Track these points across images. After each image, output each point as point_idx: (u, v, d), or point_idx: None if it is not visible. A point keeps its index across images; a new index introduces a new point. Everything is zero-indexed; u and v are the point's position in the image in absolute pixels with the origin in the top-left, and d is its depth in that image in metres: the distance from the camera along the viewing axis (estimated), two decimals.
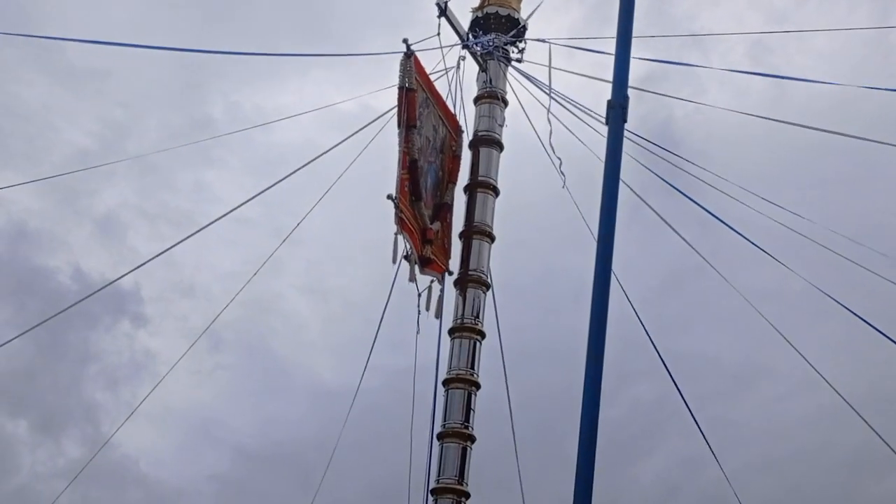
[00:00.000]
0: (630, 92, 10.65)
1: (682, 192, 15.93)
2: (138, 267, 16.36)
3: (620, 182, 10.31)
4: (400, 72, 15.29)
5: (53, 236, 36.53)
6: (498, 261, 16.35)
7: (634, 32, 10.83)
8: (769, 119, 17.00)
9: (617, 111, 10.53)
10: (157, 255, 16.08)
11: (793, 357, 16.73)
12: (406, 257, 15.19)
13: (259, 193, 16.29)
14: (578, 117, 15.85)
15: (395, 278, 15.51)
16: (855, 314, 15.40)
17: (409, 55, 15.32)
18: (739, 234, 15.99)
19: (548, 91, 16.20)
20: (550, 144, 15.92)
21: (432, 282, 15.64)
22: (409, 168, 15.13)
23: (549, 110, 15.98)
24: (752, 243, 15.97)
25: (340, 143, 16.17)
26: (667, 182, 16.14)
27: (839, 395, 15.81)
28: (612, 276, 15.58)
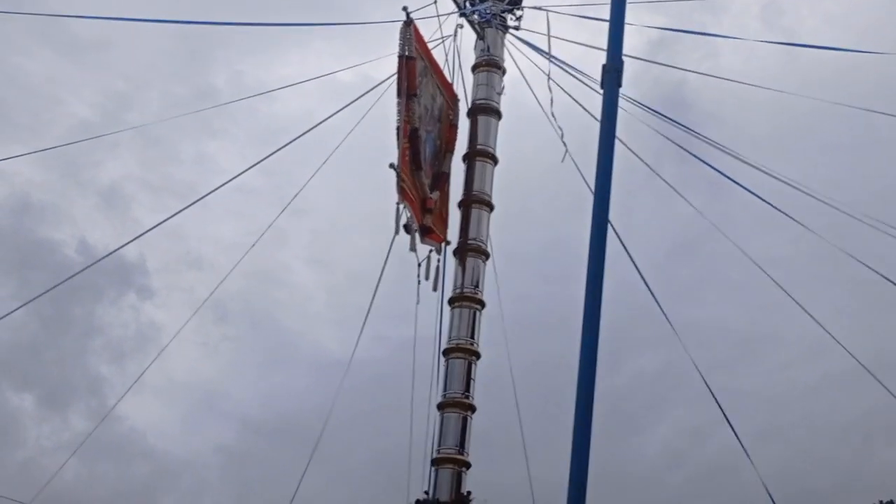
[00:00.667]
0: (642, 55, 10.57)
1: (693, 154, 15.74)
2: (141, 235, 16.35)
3: (631, 149, 10.20)
4: (399, 40, 15.19)
5: (58, 209, 36.48)
6: (498, 230, 16.32)
7: None
8: (776, 90, 16.80)
9: (612, 75, 10.45)
10: (158, 224, 16.05)
11: (799, 324, 16.67)
12: (406, 227, 15.10)
13: (257, 163, 16.25)
14: (580, 80, 15.68)
15: (390, 248, 15.44)
16: (870, 268, 15.21)
17: (409, 23, 15.20)
18: (751, 192, 15.76)
19: (547, 57, 16.04)
20: (552, 112, 15.81)
21: (430, 251, 15.57)
22: (410, 137, 15.06)
23: (549, 77, 15.85)
24: (764, 200, 15.75)
25: (338, 111, 16.14)
26: (677, 144, 15.96)
27: (853, 356, 15.72)
28: (621, 243, 15.58)
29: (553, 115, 15.86)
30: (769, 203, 15.75)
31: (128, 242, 16.47)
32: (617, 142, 10.56)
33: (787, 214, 15.77)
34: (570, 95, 15.70)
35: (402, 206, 14.86)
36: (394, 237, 15.18)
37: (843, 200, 15.92)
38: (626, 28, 10.76)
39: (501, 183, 16.44)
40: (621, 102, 11.08)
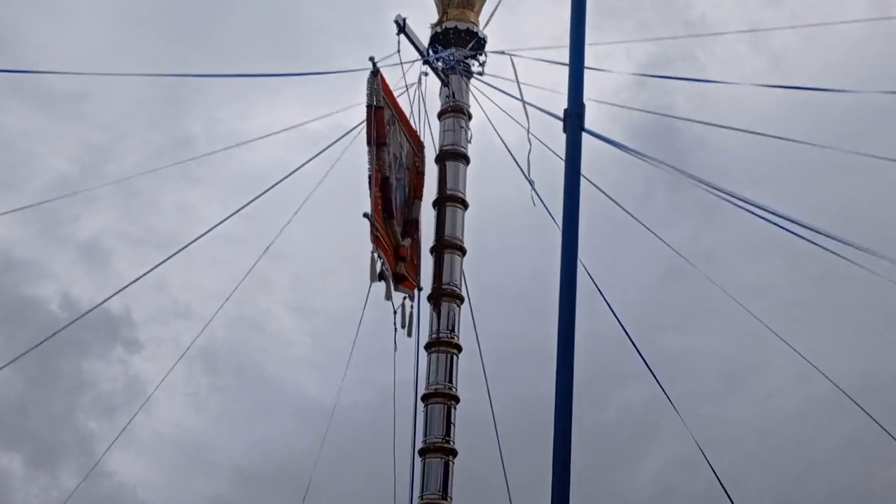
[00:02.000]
0: (631, 80, 10.66)
1: (689, 176, 15.64)
2: (124, 288, 16.32)
3: (598, 187, 10.17)
4: (367, 90, 15.33)
5: (39, 265, 36.38)
6: (473, 271, 16.38)
7: (636, 24, 10.84)
8: (767, 136, 16.78)
9: (574, 119, 10.54)
10: (142, 276, 16.03)
11: (783, 352, 16.73)
12: (381, 275, 15.19)
13: (234, 213, 16.36)
14: (548, 117, 15.67)
15: (367, 296, 15.54)
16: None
17: (376, 73, 15.35)
18: (749, 209, 15.63)
19: (521, 100, 16.13)
20: (528, 162, 15.86)
21: (404, 299, 15.64)
22: (381, 186, 15.17)
23: (528, 131, 15.88)
24: (761, 207, 15.63)
25: (309, 161, 16.26)
26: (668, 167, 15.90)
27: (832, 382, 15.70)
28: (592, 281, 15.61)
29: (526, 162, 15.93)
30: (762, 216, 15.52)
31: (112, 295, 16.47)
32: (597, 179, 10.60)
33: (782, 226, 15.53)
34: (538, 139, 15.77)
35: (376, 255, 14.94)
36: (370, 285, 15.28)
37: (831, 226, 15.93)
38: (608, 61, 10.87)
39: (474, 224, 16.54)
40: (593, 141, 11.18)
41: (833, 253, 14.23)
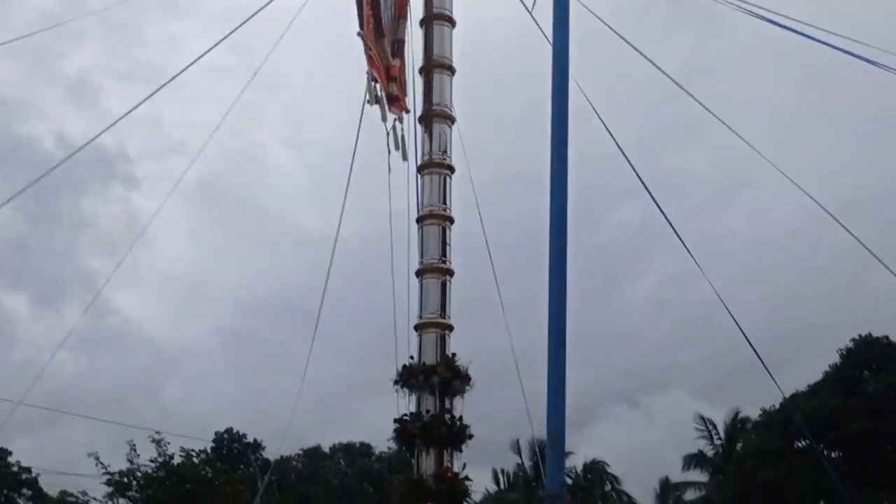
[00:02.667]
0: None
1: None
2: (116, 122, 16.12)
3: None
4: None
5: (30, 104, 36.19)
6: (464, 93, 16.25)
7: None
8: None
9: None
10: (133, 109, 15.83)
11: (778, 166, 16.73)
12: (376, 96, 15.04)
13: (220, 41, 16.09)
14: None
15: (361, 118, 15.43)
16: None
17: None
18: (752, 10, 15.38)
19: None
20: None
21: (395, 121, 15.54)
22: (372, 3, 14.88)
23: None
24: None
25: None
26: None
27: (819, 205, 15.78)
28: (586, 98, 15.50)
29: None
30: (767, 19, 15.27)
31: (104, 130, 16.31)
32: None
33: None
34: None
35: (372, 76, 14.77)
36: (364, 106, 15.20)
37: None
38: None
39: (464, 46, 16.32)
40: None
41: (841, 51, 14.08)
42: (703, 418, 53.85)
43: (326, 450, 45.08)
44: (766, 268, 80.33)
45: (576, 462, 51.69)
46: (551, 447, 5.94)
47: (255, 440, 38.29)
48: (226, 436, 39.10)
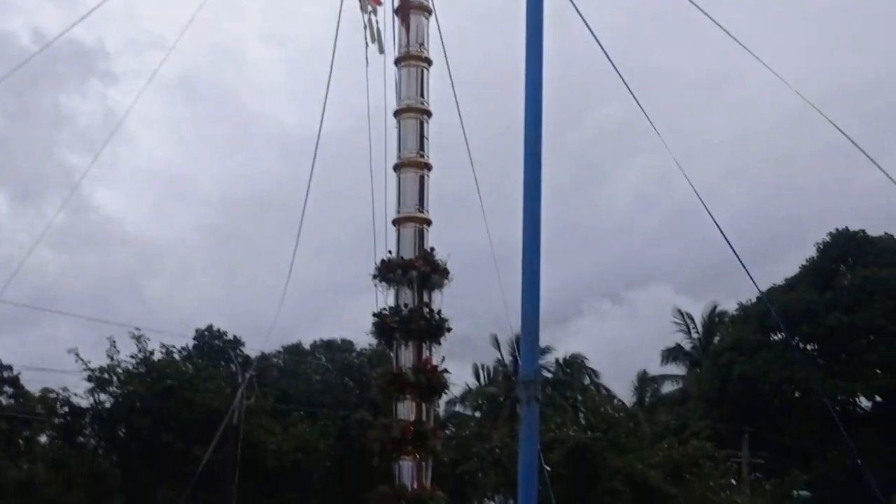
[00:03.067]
0: None
1: None
2: (91, 12, 15.87)
3: None
4: None
5: None
6: None
7: None
8: None
9: None
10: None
11: (763, 60, 16.59)
12: None
13: None
14: None
15: (340, 8, 15.16)
16: None
17: None
18: None
19: None
20: None
21: (370, 12, 15.30)
22: None
23: None
24: None
25: None
26: None
27: (803, 98, 15.65)
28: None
29: None
30: None
31: (79, 20, 16.03)
32: None
33: None
34: None
35: None
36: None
37: None
38: None
39: None
40: None
41: None
42: (681, 312, 54.43)
43: (307, 347, 45.41)
44: (748, 163, 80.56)
45: (557, 357, 52.29)
46: (525, 333, 5.97)
47: (235, 337, 38.50)
48: (206, 333, 39.25)
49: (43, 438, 33.15)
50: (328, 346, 44.08)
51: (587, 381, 51.83)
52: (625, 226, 79.84)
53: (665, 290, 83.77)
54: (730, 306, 51.17)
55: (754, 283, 33.55)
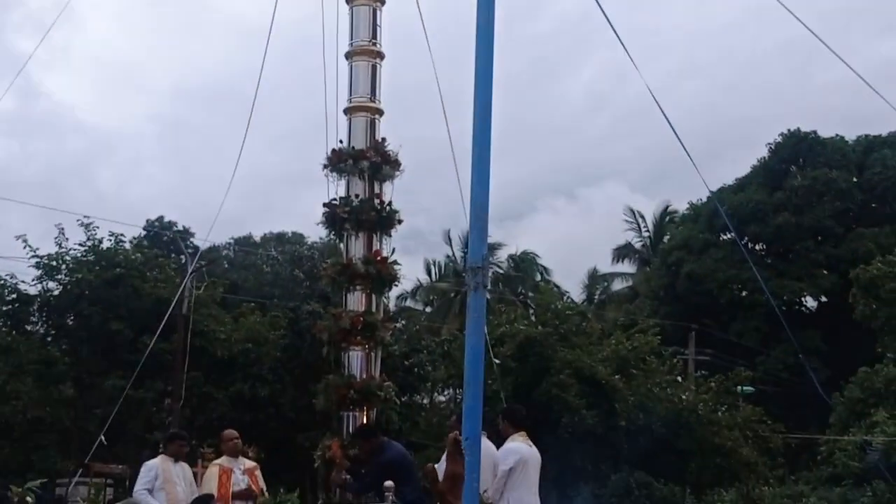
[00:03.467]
0: None
1: None
2: None
3: None
4: None
5: None
6: None
7: None
8: None
9: None
10: None
11: None
12: None
13: None
14: None
15: None
16: None
17: None
18: None
19: None
20: None
21: None
22: None
23: None
24: None
25: None
26: None
27: None
28: None
29: None
30: None
31: None
32: None
33: None
34: None
35: None
36: None
37: None
38: None
39: None
40: None
41: None
42: (632, 211, 54.75)
43: (258, 239, 45.25)
44: (705, 61, 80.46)
45: (510, 253, 52.57)
46: (474, 219, 5.90)
47: (185, 228, 38.20)
48: (157, 224, 38.90)
49: None
50: (279, 239, 43.96)
51: (539, 277, 52.23)
52: (580, 123, 79.83)
53: (620, 188, 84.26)
54: (682, 206, 51.57)
55: (704, 182, 33.86)
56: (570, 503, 26.93)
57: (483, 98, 6.03)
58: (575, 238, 72.24)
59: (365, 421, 14.36)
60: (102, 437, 17.56)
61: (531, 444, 12.48)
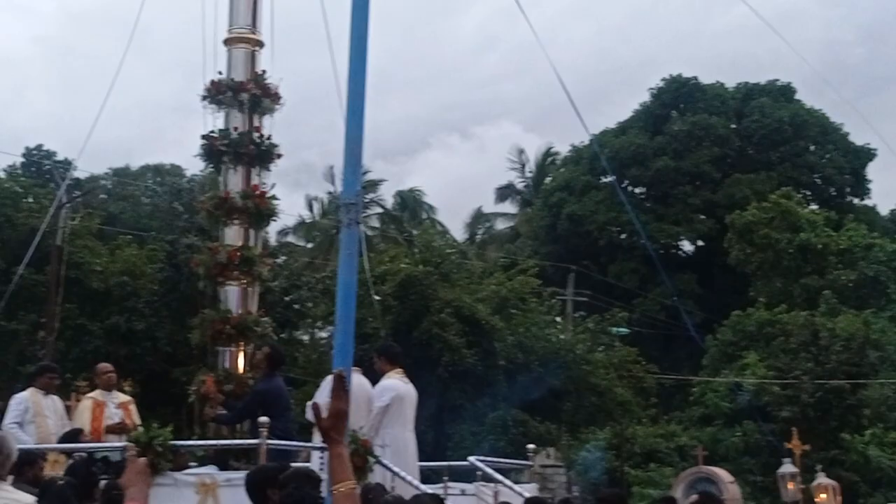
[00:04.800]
0: None
1: None
2: None
3: None
4: None
5: None
6: None
7: None
8: None
9: None
10: None
11: None
12: None
13: None
14: None
15: None
16: None
17: None
18: None
19: None
20: None
21: None
22: None
23: None
24: None
25: None
26: None
27: None
28: None
29: None
30: None
31: None
32: None
33: None
34: None
35: None
36: None
37: None
38: None
39: None
40: None
41: None
42: (518, 150, 54.99)
43: (136, 169, 44.27)
44: (596, 3, 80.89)
45: (398, 189, 52.40)
46: (348, 155, 5.81)
47: (65, 158, 37.21)
48: (35, 152, 37.84)
49: None
50: (157, 171, 43.11)
51: (424, 216, 52.24)
52: (470, 62, 79.65)
53: (514, 128, 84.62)
54: (566, 148, 51.97)
55: (583, 125, 34.06)
56: (447, 440, 27.22)
57: (358, 30, 5.94)
58: (464, 177, 72.45)
59: (242, 357, 14.25)
60: None
61: (407, 380, 12.55)
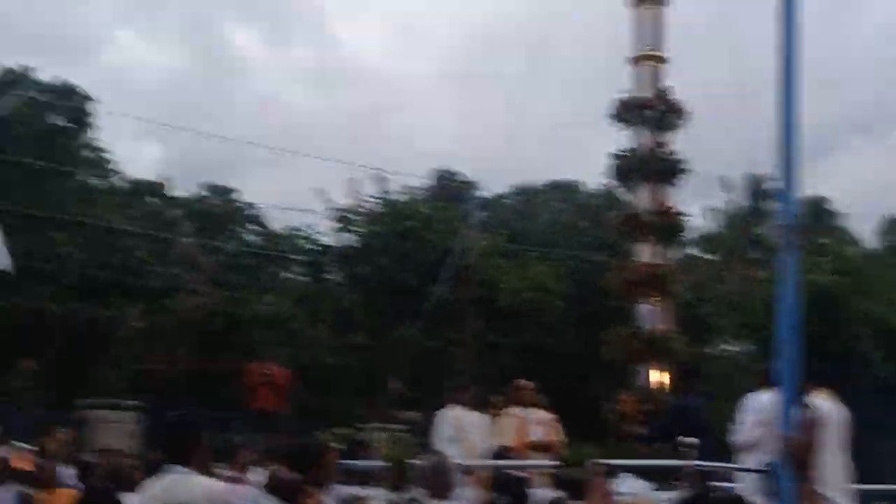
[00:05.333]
0: None
1: None
2: None
3: None
4: None
5: None
6: None
7: None
8: None
9: None
10: None
11: None
12: None
13: None
14: None
15: None
16: None
17: None
18: None
19: None
20: None
21: None
22: None
23: None
24: None
25: None
26: None
27: None
28: None
29: None
30: None
31: None
32: None
33: None
34: None
35: None
36: None
37: None
38: None
39: None
40: None
41: None
42: None
43: (540, 186, 45.11)
44: None
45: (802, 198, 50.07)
46: (784, 175, 5.56)
47: (470, 179, 38.79)
48: (444, 175, 39.82)
49: (287, 275, 34.45)
50: (557, 186, 43.82)
51: (832, 223, 49.78)
52: (878, 60, 75.08)
53: None
54: None
55: None
56: (873, 460, 25.69)
57: (787, 69, 5.64)
58: (871, 181, 68.17)
59: (657, 375, 14.18)
60: (401, 387, 18.09)
61: (834, 400, 11.76)
